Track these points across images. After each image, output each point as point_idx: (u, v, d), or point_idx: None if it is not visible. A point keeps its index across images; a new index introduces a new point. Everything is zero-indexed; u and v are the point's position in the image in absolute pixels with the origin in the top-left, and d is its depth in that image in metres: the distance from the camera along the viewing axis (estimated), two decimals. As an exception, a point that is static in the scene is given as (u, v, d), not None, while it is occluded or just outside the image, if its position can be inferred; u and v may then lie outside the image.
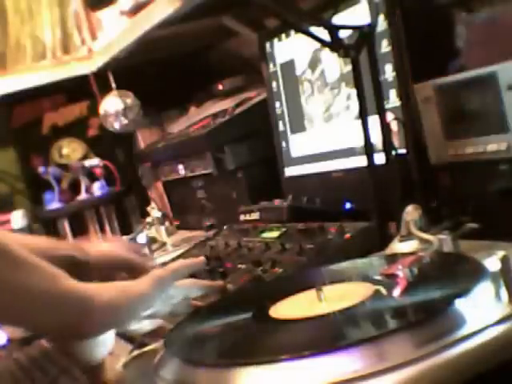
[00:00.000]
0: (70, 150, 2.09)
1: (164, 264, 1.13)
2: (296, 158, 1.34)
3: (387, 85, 1.04)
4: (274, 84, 1.38)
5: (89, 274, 1.08)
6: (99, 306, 0.70)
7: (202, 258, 0.96)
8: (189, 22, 1.53)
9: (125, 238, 1.72)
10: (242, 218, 1.30)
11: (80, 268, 1.07)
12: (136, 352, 0.74)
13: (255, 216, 1.27)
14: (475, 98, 0.91)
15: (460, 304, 0.56)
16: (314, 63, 1.26)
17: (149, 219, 1.67)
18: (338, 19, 0.97)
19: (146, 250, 1.49)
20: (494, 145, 0.89)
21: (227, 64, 1.83)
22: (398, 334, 0.53)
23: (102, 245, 1.19)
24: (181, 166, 1.63)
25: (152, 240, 1.58)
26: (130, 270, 1.10)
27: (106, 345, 0.78)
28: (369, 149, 0.97)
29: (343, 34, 0.96)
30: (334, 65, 1.20)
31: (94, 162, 2.00)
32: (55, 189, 1.98)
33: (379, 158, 0.98)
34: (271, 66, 1.38)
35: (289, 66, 1.33)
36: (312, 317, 0.64)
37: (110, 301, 0.72)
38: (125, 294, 0.75)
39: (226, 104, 1.59)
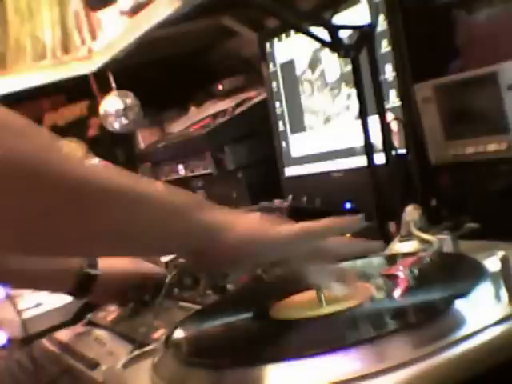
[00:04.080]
0: (70, 150, 2.09)
1: (167, 264, 1.13)
2: (296, 158, 1.34)
3: (387, 85, 1.04)
4: (274, 84, 1.37)
5: (99, 288, 1.09)
6: (226, 242, 0.65)
7: (356, 218, 0.82)
8: (189, 22, 1.53)
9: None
10: (242, 218, 1.30)
11: (91, 281, 1.08)
12: (136, 352, 0.74)
13: (255, 216, 1.26)
14: (475, 98, 0.91)
15: (460, 304, 0.56)
16: (314, 63, 1.26)
17: (149, 219, 1.67)
18: (337, 19, 0.97)
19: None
20: (494, 145, 0.88)
21: (227, 64, 1.83)
22: (399, 335, 0.53)
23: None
24: (181, 166, 1.62)
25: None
26: (143, 282, 1.10)
27: None
28: (369, 149, 0.97)
29: (343, 33, 0.96)
30: (334, 65, 1.19)
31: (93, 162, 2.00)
32: (55, 189, 1.98)
33: (379, 158, 0.98)
34: (271, 66, 1.38)
35: (289, 66, 1.32)
36: (312, 317, 0.64)
37: (240, 238, 0.66)
38: (260, 235, 0.67)
39: (226, 104, 1.59)
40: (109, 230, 0.60)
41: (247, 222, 0.68)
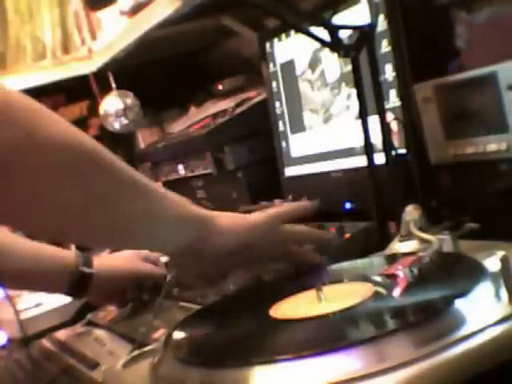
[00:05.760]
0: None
1: (166, 264, 1.13)
2: (296, 157, 1.34)
3: (387, 85, 1.04)
4: (274, 84, 1.37)
5: (95, 287, 1.08)
6: (216, 228, 0.77)
7: (309, 203, 0.97)
8: (189, 22, 1.53)
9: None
10: (242, 218, 1.30)
11: (86, 280, 1.08)
12: (136, 352, 0.74)
13: (255, 216, 1.26)
14: (475, 98, 0.91)
15: (460, 304, 0.56)
16: (314, 63, 1.26)
17: (149, 219, 1.66)
18: (337, 19, 0.97)
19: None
20: (493, 145, 0.88)
21: (227, 64, 1.83)
22: (398, 334, 0.53)
23: (111, 257, 1.18)
24: (181, 166, 1.62)
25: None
26: (142, 282, 1.10)
27: None
28: (369, 149, 0.97)
29: (343, 33, 0.96)
30: (334, 65, 1.19)
31: (93, 162, 2.00)
32: (55, 189, 1.98)
33: (379, 158, 0.98)
34: (271, 66, 1.38)
35: (289, 66, 1.32)
36: (312, 317, 0.64)
37: (226, 225, 0.78)
38: (239, 222, 0.80)
39: (226, 104, 1.59)
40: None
41: (225, 215, 0.81)
